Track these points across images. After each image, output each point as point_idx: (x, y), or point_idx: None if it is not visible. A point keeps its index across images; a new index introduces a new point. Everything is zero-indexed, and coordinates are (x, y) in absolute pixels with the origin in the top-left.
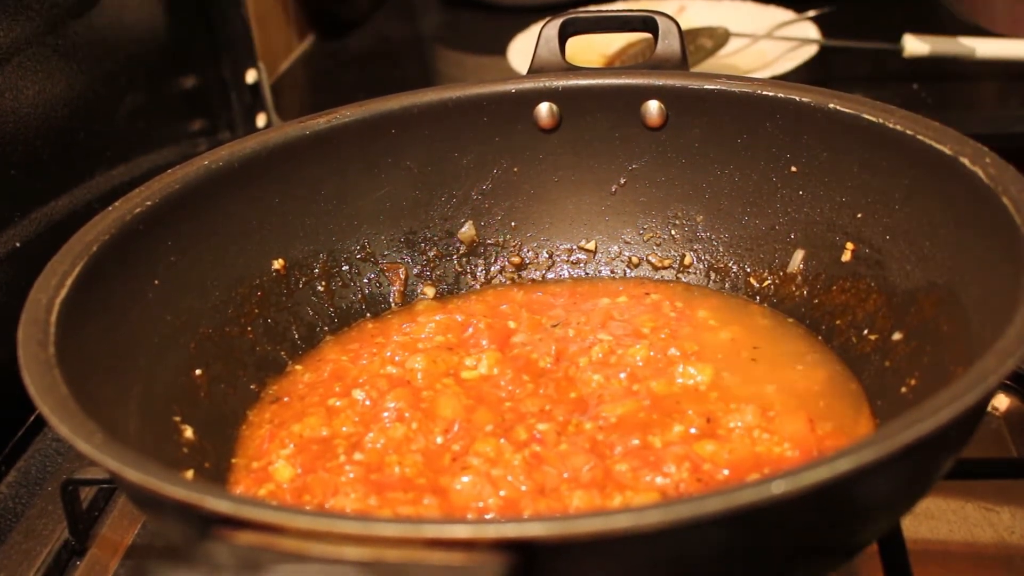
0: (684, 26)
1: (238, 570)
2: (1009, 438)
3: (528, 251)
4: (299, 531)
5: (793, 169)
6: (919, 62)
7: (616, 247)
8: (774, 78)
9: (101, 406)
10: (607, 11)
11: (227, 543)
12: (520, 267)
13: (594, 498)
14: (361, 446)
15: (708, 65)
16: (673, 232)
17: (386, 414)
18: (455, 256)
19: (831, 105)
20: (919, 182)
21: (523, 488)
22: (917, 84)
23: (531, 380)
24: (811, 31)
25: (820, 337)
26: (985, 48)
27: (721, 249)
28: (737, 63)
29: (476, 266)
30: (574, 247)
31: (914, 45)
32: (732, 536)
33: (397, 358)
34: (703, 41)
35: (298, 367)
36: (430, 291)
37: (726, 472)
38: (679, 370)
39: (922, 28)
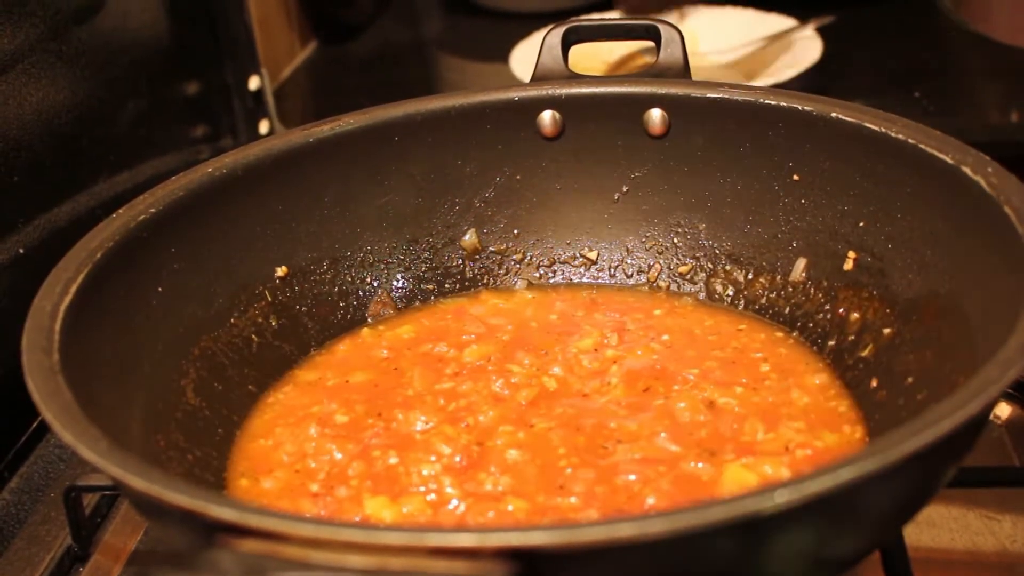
0: (717, 35)
1: None
2: (1011, 447)
3: (530, 258)
4: (303, 539)
5: (795, 177)
6: (921, 69)
7: (618, 255)
8: (776, 86)
9: (105, 412)
10: (610, 19)
11: (231, 550)
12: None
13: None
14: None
15: (711, 74)
16: (676, 240)
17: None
18: (457, 263)
19: (833, 114)
20: (921, 191)
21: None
22: (919, 92)
23: (544, 402)
24: (813, 39)
25: (820, 345)
26: None
27: (723, 257)
28: (739, 71)
29: (478, 273)
30: (576, 255)
31: None
32: (735, 544)
33: (395, 368)
34: None
35: (300, 373)
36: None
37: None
38: (677, 386)
39: (923, 36)
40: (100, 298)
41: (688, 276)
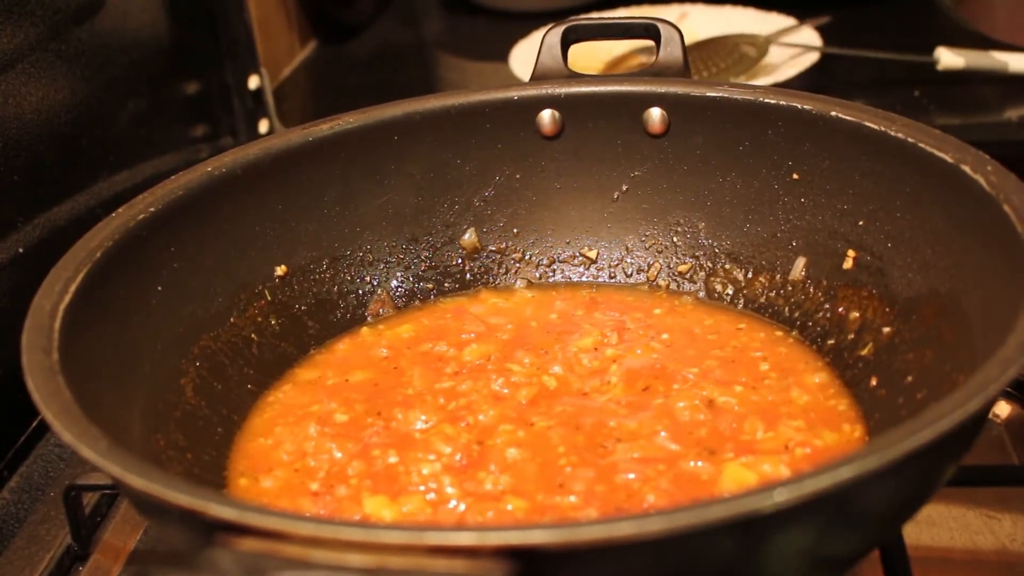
0: (716, 34)
1: None
2: (1010, 445)
3: (530, 257)
4: (302, 538)
5: (795, 176)
6: (920, 69)
7: (618, 254)
8: (776, 85)
9: (104, 412)
10: (609, 18)
11: (230, 549)
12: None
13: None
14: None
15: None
16: (675, 239)
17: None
18: (456, 262)
19: (833, 113)
20: (921, 190)
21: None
22: (918, 91)
23: (544, 400)
24: (813, 38)
25: (820, 344)
26: (1018, 63)
27: (723, 256)
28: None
29: (478, 272)
30: (576, 254)
31: (949, 59)
32: (735, 543)
33: (395, 367)
34: (746, 49)
35: (300, 372)
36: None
37: None
38: (676, 385)
39: (923, 36)
40: (100, 297)
41: (688, 275)
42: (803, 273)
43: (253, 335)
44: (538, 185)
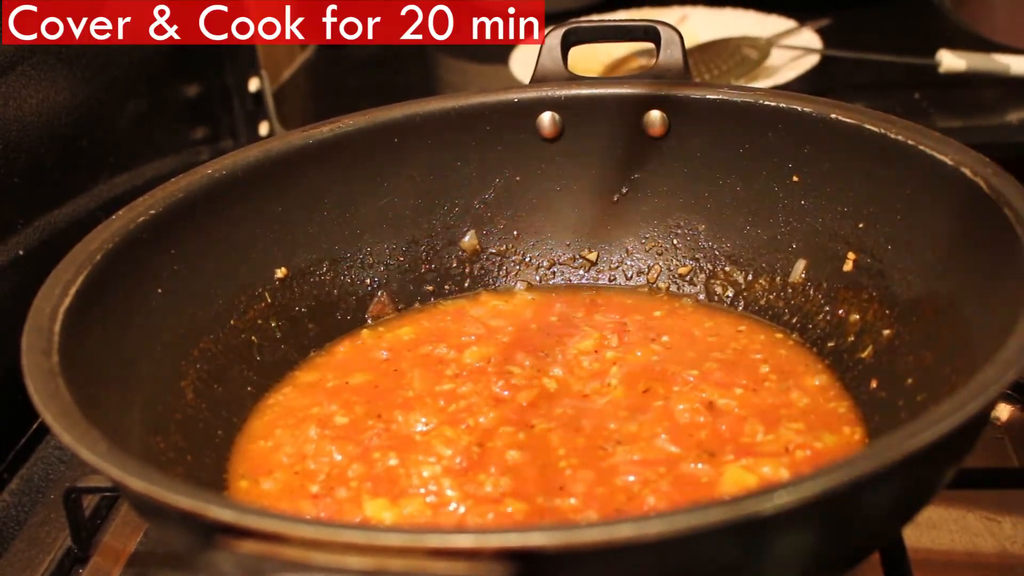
0: (716, 36)
1: None
2: (1011, 448)
3: (530, 260)
4: (302, 540)
5: (795, 179)
6: (920, 71)
7: (618, 256)
8: (776, 87)
9: (104, 414)
10: (610, 21)
11: (230, 552)
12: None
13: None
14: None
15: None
16: (675, 241)
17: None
18: (456, 265)
19: (833, 115)
20: (921, 192)
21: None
22: (918, 93)
23: (544, 403)
24: (813, 40)
25: (820, 346)
26: (1019, 65)
27: (723, 259)
28: None
29: (478, 274)
30: (576, 256)
31: (951, 61)
32: (735, 545)
33: (395, 369)
34: (747, 52)
35: (300, 375)
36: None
37: None
38: (676, 388)
39: (923, 38)
40: (100, 300)
41: (688, 277)
42: (803, 275)
43: (253, 337)
44: (538, 187)
